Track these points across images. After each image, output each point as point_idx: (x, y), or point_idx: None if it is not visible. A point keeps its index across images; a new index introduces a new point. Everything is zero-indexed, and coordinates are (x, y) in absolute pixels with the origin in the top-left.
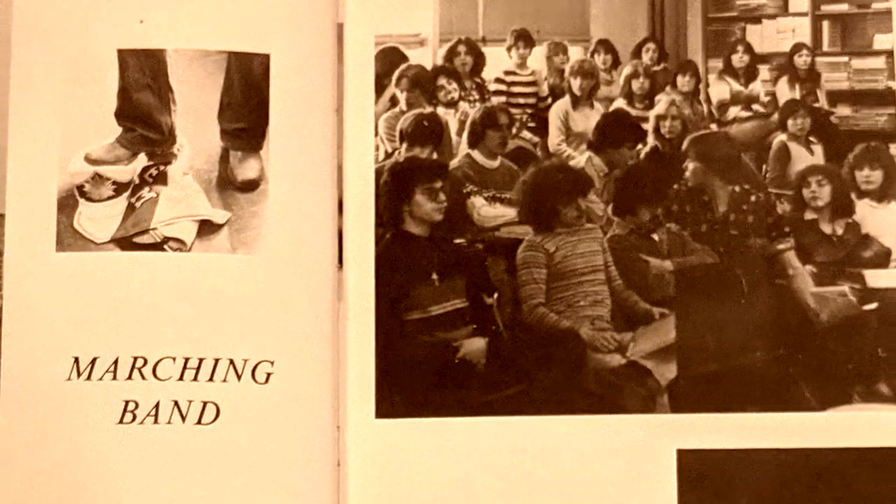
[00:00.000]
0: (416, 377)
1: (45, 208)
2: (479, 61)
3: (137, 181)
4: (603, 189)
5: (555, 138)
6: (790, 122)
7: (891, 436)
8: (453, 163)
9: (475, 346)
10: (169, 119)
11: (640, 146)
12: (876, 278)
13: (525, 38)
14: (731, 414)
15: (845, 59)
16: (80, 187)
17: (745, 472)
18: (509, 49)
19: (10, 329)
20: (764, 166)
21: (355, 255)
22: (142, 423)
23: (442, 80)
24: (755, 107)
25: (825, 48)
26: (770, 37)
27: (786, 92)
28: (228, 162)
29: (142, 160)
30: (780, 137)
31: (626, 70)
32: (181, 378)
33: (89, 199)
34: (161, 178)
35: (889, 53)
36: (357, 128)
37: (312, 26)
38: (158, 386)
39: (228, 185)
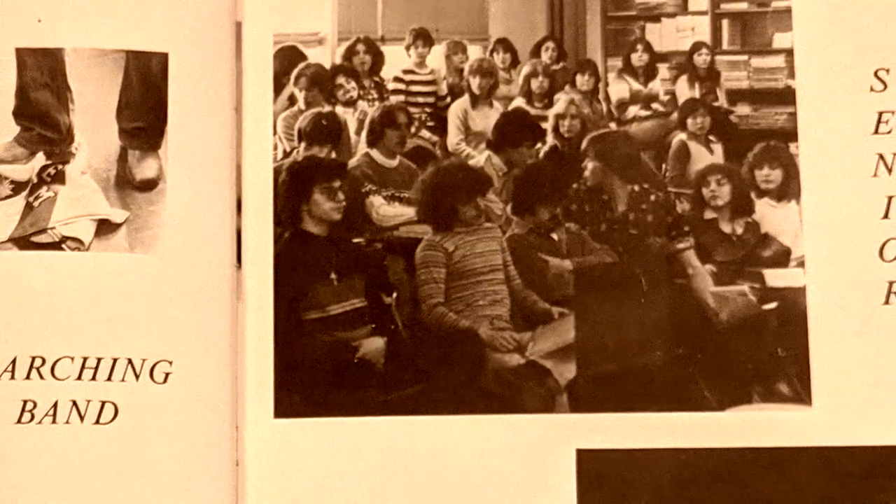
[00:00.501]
0: (314, 377)
1: None
2: (377, 60)
3: (35, 180)
4: (502, 188)
5: (454, 137)
6: (690, 120)
7: (790, 435)
8: (352, 162)
9: (374, 345)
10: (67, 118)
11: (539, 145)
12: (775, 278)
13: (424, 37)
14: (631, 414)
15: (745, 57)
16: None
17: (645, 472)
18: (408, 48)
19: None
20: (663, 165)
21: (254, 254)
22: (40, 422)
23: (340, 79)
24: (655, 106)
25: (725, 47)
26: (669, 35)
27: (685, 91)
28: (127, 161)
29: (40, 159)
30: (680, 136)
31: (526, 69)
32: (79, 378)
33: None
34: (59, 178)
35: (789, 52)
36: (256, 127)
37: (211, 25)
38: (57, 385)
39: (127, 185)
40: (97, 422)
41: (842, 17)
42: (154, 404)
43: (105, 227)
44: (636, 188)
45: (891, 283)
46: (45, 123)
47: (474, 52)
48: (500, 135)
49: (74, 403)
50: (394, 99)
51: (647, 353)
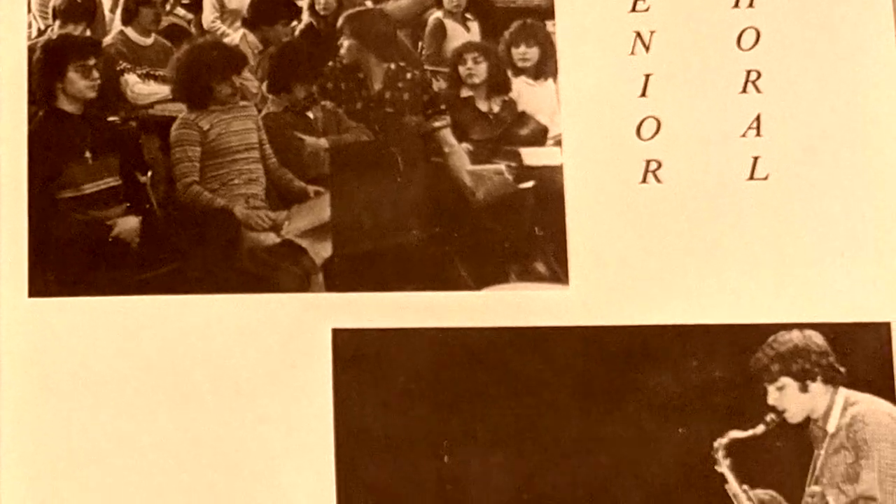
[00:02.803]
0: (69, 256)
1: None
2: None
3: None
4: (258, 66)
5: (209, 15)
6: None
7: (547, 315)
8: (107, 40)
9: (129, 224)
10: None
11: (295, 23)
12: (532, 156)
13: None
14: (387, 293)
15: None
16: None
17: (402, 352)
18: None
19: None
20: (420, 43)
21: (7, 133)
22: None
23: None
24: None
25: None
26: None
27: None
28: None
29: None
30: (436, 14)
31: None
32: None
33: None
34: None
35: None
36: (9, 4)
37: None
38: None
39: None
40: None
41: None
42: None
43: None
44: (392, 66)
45: (648, 162)
46: None
47: None
48: (256, 12)
49: None
50: None
51: (404, 233)
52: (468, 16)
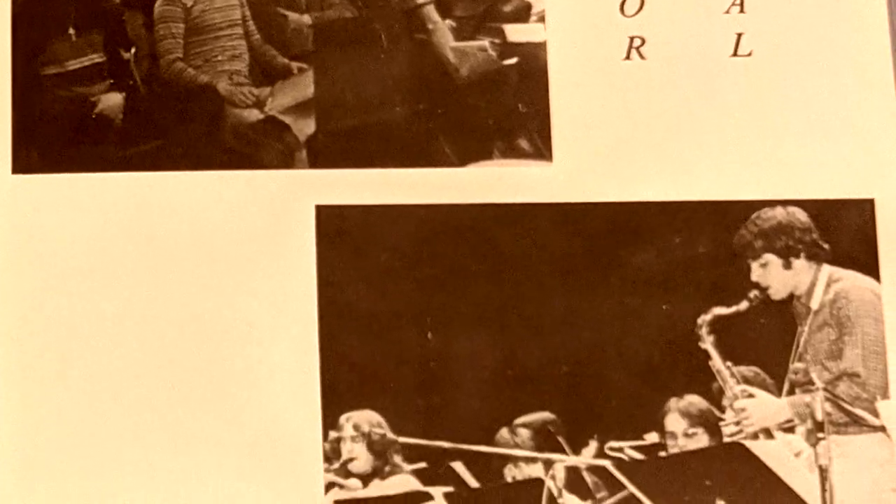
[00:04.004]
0: (52, 133)
1: None
2: None
3: None
4: None
5: None
6: None
7: (530, 191)
8: None
9: (112, 101)
10: None
11: None
12: (516, 33)
13: None
14: (371, 170)
15: None
16: None
17: (385, 228)
18: None
19: None
20: None
21: None
22: None
23: None
24: None
25: None
26: None
27: None
28: None
29: None
30: None
31: None
32: None
33: None
34: None
35: None
36: None
37: None
38: None
39: None
40: None
41: None
42: None
43: None
44: None
45: (631, 39)
46: None
47: None
48: None
49: None
50: None
51: (387, 109)
52: None
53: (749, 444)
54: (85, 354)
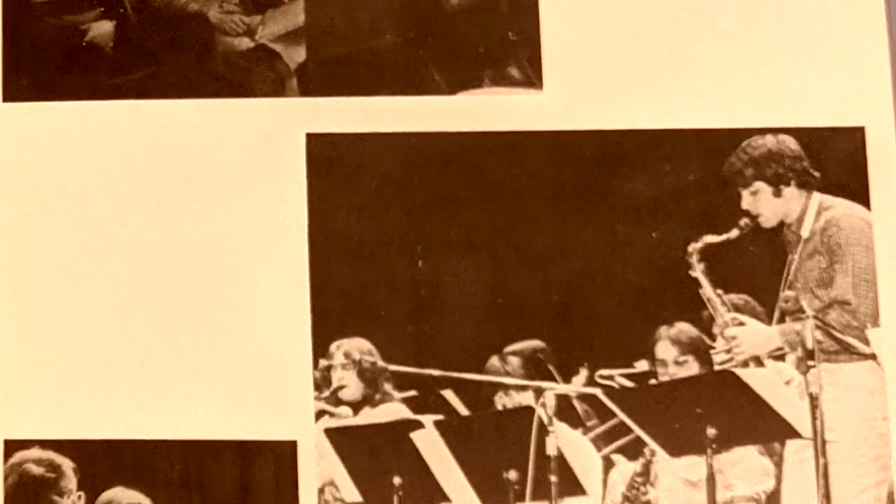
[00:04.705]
0: (43, 60)
1: None
2: None
3: None
4: None
5: None
6: None
7: (521, 119)
8: None
9: (103, 28)
10: None
11: None
12: None
13: None
14: (362, 98)
15: None
16: None
17: (376, 156)
18: None
19: None
20: None
21: None
22: None
23: None
24: None
25: None
26: None
27: None
28: None
29: None
30: None
31: None
32: None
33: None
34: None
35: None
36: None
37: None
38: None
39: None
40: None
41: None
42: None
43: None
44: None
45: None
46: None
47: None
48: None
49: None
50: None
51: (378, 37)
52: None
53: (739, 371)
54: (76, 283)
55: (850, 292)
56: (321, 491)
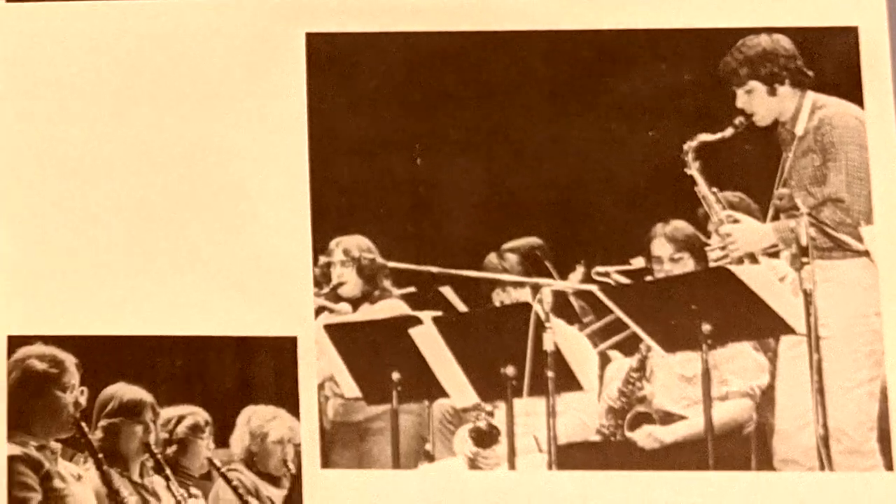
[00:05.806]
0: None
1: None
2: None
3: None
4: None
5: None
6: None
7: (518, 19)
8: None
9: None
10: None
11: None
12: None
13: None
14: None
15: None
16: None
17: (376, 55)
18: None
19: None
20: None
21: None
22: None
23: None
24: None
25: None
26: None
27: None
28: None
29: None
30: None
31: None
32: None
33: None
34: None
35: None
36: None
37: None
38: None
39: None
40: None
41: None
42: None
43: None
44: None
45: None
46: None
47: None
48: None
49: None
50: None
51: None
52: None
53: (734, 268)
54: (78, 181)
55: (843, 190)
56: (321, 386)
